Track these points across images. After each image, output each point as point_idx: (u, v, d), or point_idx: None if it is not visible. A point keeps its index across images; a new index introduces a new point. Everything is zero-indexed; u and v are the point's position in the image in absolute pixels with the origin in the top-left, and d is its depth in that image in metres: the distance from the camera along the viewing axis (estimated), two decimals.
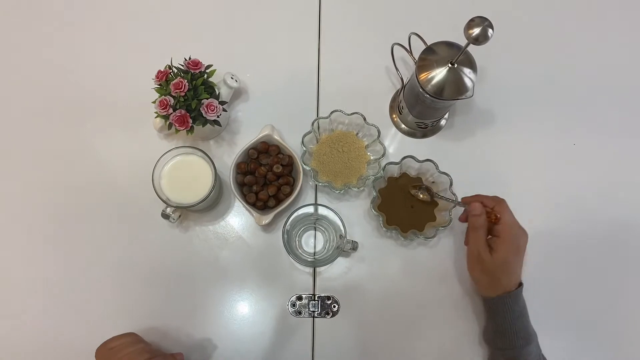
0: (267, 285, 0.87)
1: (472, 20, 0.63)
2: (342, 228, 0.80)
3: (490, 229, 0.77)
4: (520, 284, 0.77)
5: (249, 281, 0.87)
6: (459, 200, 0.80)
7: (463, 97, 0.75)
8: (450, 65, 0.73)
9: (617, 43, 0.99)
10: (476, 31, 0.62)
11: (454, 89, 0.74)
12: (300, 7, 1.00)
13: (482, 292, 0.80)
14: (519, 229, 0.76)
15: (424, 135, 0.93)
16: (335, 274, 0.87)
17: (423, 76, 0.75)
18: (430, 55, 0.75)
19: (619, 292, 0.88)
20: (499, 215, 0.75)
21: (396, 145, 0.94)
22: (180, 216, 0.85)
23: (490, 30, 0.62)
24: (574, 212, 0.90)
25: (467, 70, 0.74)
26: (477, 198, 0.78)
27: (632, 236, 0.90)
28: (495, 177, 0.91)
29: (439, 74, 0.74)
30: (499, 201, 0.77)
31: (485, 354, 0.83)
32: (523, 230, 0.76)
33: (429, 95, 0.75)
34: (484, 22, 0.62)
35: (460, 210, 0.81)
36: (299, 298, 0.86)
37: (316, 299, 0.86)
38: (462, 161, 0.91)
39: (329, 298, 0.86)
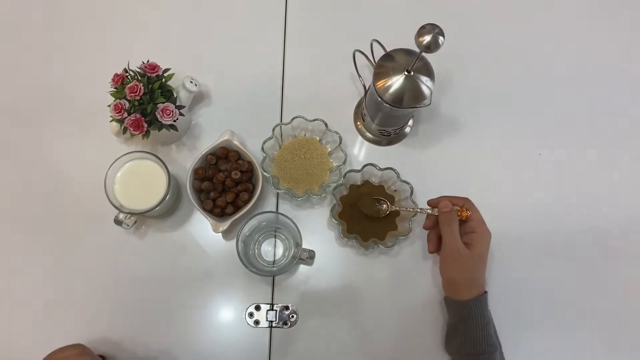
0: (225, 295, 0.86)
1: (422, 27, 0.62)
2: (297, 234, 0.79)
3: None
4: (486, 291, 0.77)
5: (206, 290, 0.86)
6: (423, 208, 0.80)
7: (420, 105, 0.75)
8: (406, 73, 0.73)
9: (585, 50, 0.99)
10: (427, 39, 0.62)
11: (411, 97, 0.74)
12: (265, 11, 1.00)
13: (454, 295, 0.77)
14: (487, 226, 0.77)
15: (389, 143, 0.93)
16: (294, 284, 0.87)
17: (380, 84, 0.74)
18: (387, 62, 0.74)
19: (576, 296, 0.88)
20: (469, 213, 0.76)
21: (362, 152, 0.93)
22: (135, 222, 0.84)
23: (441, 38, 0.62)
24: (537, 221, 0.90)
25: (424, 78, 0.73)
26: (443, 198, 0.78)
27: (592, 243, 0.90)
28: (459, 186, 0.89)
29: (396, 82, 0.73)
30: (466, 199, 0.77)
31: None
32: (488, 229, 0.77)
33: (387, 103, 0.75)
34: (434, 30, 0.62)
35: (422, 218, 0.81)
36: (257, 308, 0.85)
37: (274, 308, 0.85)
38: (426, 169, 0.91)
39: (287, 308, 0.85)
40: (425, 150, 0.93)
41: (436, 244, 0.80)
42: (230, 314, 0.85)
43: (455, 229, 0.75)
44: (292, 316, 0.85)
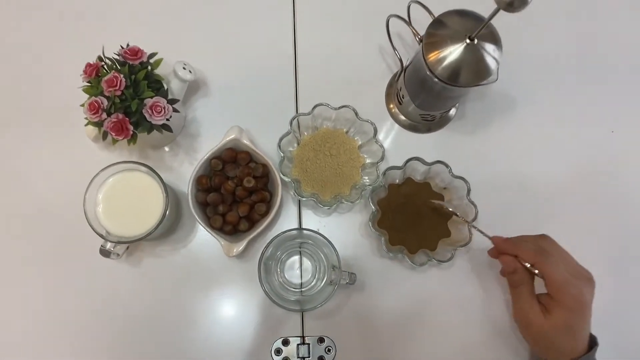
0: (244, 329, 0.71)
1: None
2: (334, 255, 0.64)
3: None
4: (592, 345, 0.62)
5: (220, 325, 0.71)
6: (488, 235, 0.66)
7: (485, 82, 0.59)
8: (468, 41, 0.57)
9: None
10: None
11: (473, 71, 0.59)
12: None
13: (536, 354, 0.66)
14: (578, 280, 0.60)
15: (429, 129, 0.78)
16: (328, 309, 0.72)
17: (432, 56, 0.59)
18: (440, 30, 0.59)
19: None
20: (537, 273, 0.61)
21: (394, 141, 0.78)
22: (127, 248, 0.68)
23: None
24: (620, 213, 0.75)
25: (490, 47, 0.58)
26: (511, 247, 0.64)
27: None
28: (518, 177, 0.76)
29: (453, 52, 0.58)
30: (540, 252, 0.61)
31: None
32: (585, 279, 0.60)
33: (440, 80, 0.59)
34: None
35: (484, 219, 0.66)
36: (285, 342, 0.70)
37: (306, 342, 0.70)
38: (477, 159, 0.76)
39: (322, 340, 0.70)
40: (474, 136, 0.78)
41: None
42: (253, 353, 0.70)
43: (523, 292, 0.63)
44: (329, 350, 0.70)
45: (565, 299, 0.58)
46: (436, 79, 0.60)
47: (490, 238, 0.65)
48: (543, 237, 0.63)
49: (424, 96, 0.67)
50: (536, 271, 0.61)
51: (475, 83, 0.59)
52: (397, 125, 0.78)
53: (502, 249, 0.64)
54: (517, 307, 0.64)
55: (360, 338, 0.71)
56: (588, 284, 0.60)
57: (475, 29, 0.56)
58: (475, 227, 0.67)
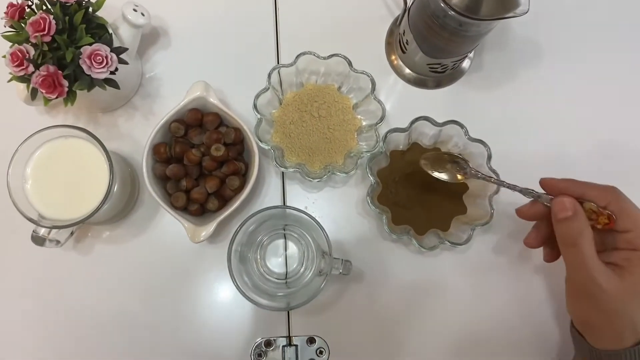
0: (219, 329, 0.60)
1: None
2: (324, 240, 0.52)
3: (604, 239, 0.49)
4: None
5: (190, 323, 0.60)
6: (532, 189, 0.50)
7: (512, 14, 0.46)
8: None
9: None
10: None
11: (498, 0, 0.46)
12: None
13: (592, 338, 0.50)
14: None
15: (438, 84, 0.65)
16: (320, 304, 0.60)
17: None
18: None
19: None
20: (614, 217, 0.46)
21: (396, 100, 0.65)
22: (71, 235, 0.57)
23: None
24: None
25: None
26: (570, 185, 0.49)
27: None
28: (546, 143, 0.63)
29: None
30: (611, 190, 0.47)
31: None
32: None
33: (456, 12, 0.47)
34: None
35: (506, 196, 0.54)
36: (268, 344, 0.59)
37: (293, 343, 0.59)
38: (497, 121, 0.64)
39: (312, 340, 0.59)
40: (493, 92, 0.65)
41: (552, 250, 0.53)
42: (228, 358, 0.59)
43: (586, 248, 0.45)
44: (321, 352, 0.59)
45: None
46: (451, 12, 0.47)
47: (541, 182, 0.50)
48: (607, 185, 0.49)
49: (433, 39, 0.55)
50: (613, 216, 0.46)
51: (500, 15, 0.47)
52: (400, 81, 0.65)
53: (558, 188, 0.49)
54: (576, 271, 0.47)
55: (358, 337, 0.60)
56: None
57: None
58: (505, 184, 0.52)
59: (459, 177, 0.55)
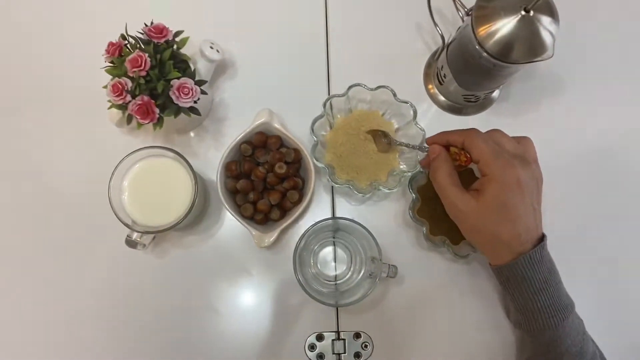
0: (275, 324, 0.68)
1: None
2: (373, 245, 0.61)
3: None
4: (541, 238, 0.58)
5: (249, 319, 0.69)
6: (424, 145, 0.63)
7: (539, 58, 0.55)
8: (523, 12, 0.53)
9: None
10: None
11: (527, 46, 0.55)
12: None
13: (488, 259, 0.61)
14: (512, 157, 0.55)
15: (470, 112, 0.74)
16: (365, 303, 0.68)
17: (482, 29, 0.55)
18: (492, 1, 0.55)
19: None
20: (468, 155, 0.57)
21: (431, 124, 0.73)
22: (154, 239, 0.66)
23: None
24: None
25: (546, 20, 0.54)
26: (441, 135, 0.61)
27: None
28: (569, 164, 0.72)
29: (506, 25, 0.54)
30: (469, 131, 0.57)
31: None
32: (521, 158, 0.56)
33: (491, 56, 0.56)
34: None
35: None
36: (319, 338, 0.68)
37: (341, 337, 0.68)
38: None
39: (358, 335, 0.68)
40: (519, 119, 0.74)
41: None
42: (284, 349, 0.68)
43: (442, 178, 0.57)
44: (366, 346, 0.67)
45: (495, 170, 0.54)
46: (485, 54, 0.56)
47: (426, 140, 0.62)
48: (490, 130, 0.59)
49: (469, 75, 0.64)
50: (467, 155, 0.57)
51: (528, 59, 0.55)
52: (435, 107, 0.74)
53: (433, 139, 0.61)
54: (445, 201, 0.58)
55: (398, 334, 0.68)
56: (523, 163, 0.55)
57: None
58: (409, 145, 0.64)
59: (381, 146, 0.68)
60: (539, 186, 0.57)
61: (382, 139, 0.67)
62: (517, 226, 0.55)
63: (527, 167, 0.55)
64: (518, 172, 0.54)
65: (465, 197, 0.56)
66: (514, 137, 0.58)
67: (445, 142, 0.59)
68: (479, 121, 0.73)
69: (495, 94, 0.73)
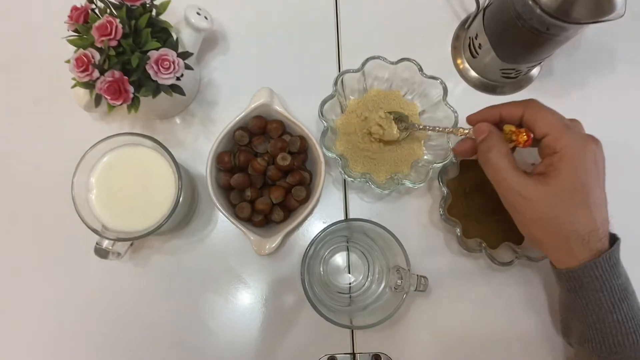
0: (279, 345, 0.58)
1: None
2: (399, 252, 0.50)
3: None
4: (615, 239, 0.47)
5: (248, 339, 0.58)
6: (461, 127, 0.51)
7: (606, 18, 0.44)
8: None
9: None
10: None
11: (592, 2, 0.44)
12: None
13: (553, 260, 0.49)
14: (582, 135, 0.46)
15: (505, 91, 0.63)
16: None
17: None
18: None
19: None
20: (530, 133, 0.46)
21: (460, 104, 0.62)
22: (131, 245, 0.55)
23: None
24: None
25: None
26: (484, 113, 0.49)
27: None
28: (621, 150, 0.61)
29: None
30: (527, 103, 0.47)
31: None
32: (590, 137, 0.46)
33: (547, 14, 0.44)
34: None
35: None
36: None
37: None
38: None
39: (377, 357, 0.57)
40: (565, 99, 0.63)
41: None
42: None
43: (498, 160, 0.46)
44: None
45: (569, 145, 0.44)
46: (539, 11, 0.45)
47: (467, 118, 0.51)
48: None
49: (512, 43, 0.53)
50: (529, 134, 0.46)
51: (594, 18, 0.44)
52: (464, 85, 0.63)
53: (479, 116, 0.50)
54: (498, 189, 0.47)
55: (425, 355, 0.57)
56: (594, 140, 0.46)
57: None
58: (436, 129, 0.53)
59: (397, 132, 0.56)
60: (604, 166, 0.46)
61: (398, 123, 0.56)
62: (595, 215, 0.44)
63: (598, 144, 0.45)
64: (594, 148, 0.45)
65: (531, 181, 0.45)
66: None
67: (497, 119, 0.48)
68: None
69: (535, 70, 0.62)
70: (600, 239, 0.45)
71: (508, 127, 0.47)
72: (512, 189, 0.45)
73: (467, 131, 0.50)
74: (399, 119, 0.57)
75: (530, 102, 0.47)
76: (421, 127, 0.55)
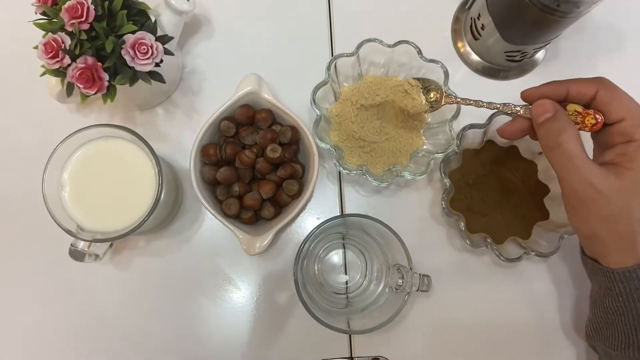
0: (272, 350, 0.54)
1: None
2: (399, 250, 0.46)
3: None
4: None
5: (239, 344, 0.54)
6: (512, 104, 0.45)
7: None
8: None
9: None
10: None
11: None
12: None
13: (601, 257, 0.44)
14: None
15: (508, 75, 0.59)
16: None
17: None
18: None
19: None
20: (601, 116, 0.41)
21: (460, 90, 0.58)
22: (111, 246, 0.51)
23: None
24: None
25: None
26: (547, 88, 0.44)
27: None
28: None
29: None
30: (601, 82, 0.42)
31: None
32: None
33: None
34: None
35: None
36: None
37: None
38: None
39: None
40: None
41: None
42: None
43: (571, 146, 0.40)
44: None
45: None
46: None
47: (521, 94, 0.45)
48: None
49: (518, 23, 0.49)
50: (599, 117, 0.41)
51: None
52: (465, 69, 0.60)
53: (541, 92, 0.44)
54: (566, 176, 0.41)
55: (426, 357, 0.54)
56: None
57: None
58: (482, 104, 0.46)
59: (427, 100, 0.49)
60: None
61: (426, 94, 0.50)
62: None
63: None
64: None
65: (604, 172, 0.40)
66: None
67: (562, 96, 0.43)
68: (521, 86, 0.57)
69: (541, 53, 0.59)
70: None
71: (573, 107, 0.42)
72: (586, 180, 0.40)
73: (518, 108, 0.45)
74: (428, 89, 0.50)
75: (605, 81, 0.42)
76: (459, 98, 0.48)
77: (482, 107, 0.47)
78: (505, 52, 0.54)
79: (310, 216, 0.57)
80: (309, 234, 0.46)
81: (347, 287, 0.55)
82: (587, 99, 0.42)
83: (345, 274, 0.55)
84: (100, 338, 0.54)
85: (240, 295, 0.55)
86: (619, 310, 0.44)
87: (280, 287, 0.55)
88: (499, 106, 0.46)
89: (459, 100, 0.48)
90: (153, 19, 0.49)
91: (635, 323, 0.43)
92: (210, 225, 0.56)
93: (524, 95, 0.45)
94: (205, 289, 0.55)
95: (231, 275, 0.55)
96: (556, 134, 0.41)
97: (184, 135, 0.57)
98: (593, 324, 0.48)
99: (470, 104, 0.47)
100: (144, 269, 0.55)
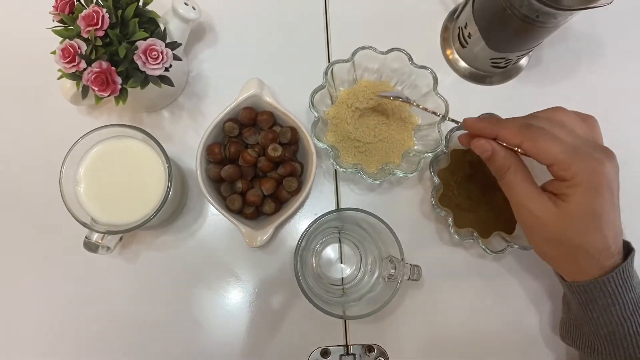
0: (271, 339, 0.57)
1: None
2: (392, 242, 0.50)
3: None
4: (629, 250, 0.46)
5: (240, 333, 0.57)
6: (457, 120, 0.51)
7: (596, 4, 0.45)
8: None
9: None
10: None
11: None
12: None
13: (563, 274, 0.48)
14: (594, 151, 0.42)
15: (493, 81, 0.63)
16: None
17: None
18: None
19: None
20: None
21: (450, 94, 0.62)
22: (121, 240, 0.54)
23: None
24: None
25: None
26: (487, 126, 0.46)
27: None
28: (611, 143, 0.61)
29: None
30: (525, 126, 0.44)
31: None
32: (602, 150, 0.43)
33: (537, 0, 0.45)
34: None
35: None
36: (325, 354, 0.57)
37: (351, 352, 0.57)
38: None
39: (370, 349, 0.57)
40: (552, 88, 0.63)
41: None
42: None
43: (513, 180, 0.45)
44: None
45: (579, 173, 0.41)
46: (536, 2, 0.45)
47: (460, 123, 0.49)
48: (549, 110, 0.46)
49: (502, 32, 0.53)
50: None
51: (584, 5, 0.45)
52: (454, 75, 0.64)
53: (475, 129, 0.47)
54: (514, 203, 0.46)
55: (418, 345, 0.58)
56: (606, 156, 0.42)
57: None
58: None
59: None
60: (618, 178, 0.45)
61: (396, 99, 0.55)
62: (608, 236, 0.43)
63: (611, 160, 0.43)
64: (607, 170, 0.42)
65: (543, 200, 0.44)
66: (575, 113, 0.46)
67: (492, 137, 0.46)
68: (506, 91, 0.63)
69: (524, 60, 0.63)
70: (613, 256, 0.44)
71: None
72: (526, 207, 0.45)
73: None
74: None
75: (529, 133, 0.43)
76: (414, 102, 0.54)
77: (428, 111, 0.54)
78: (490, 59, 0.58)
79: (308, 213, 0.60)
80: (307, 227, 0.49)
81: (342, 278, 0.58)
82: (514, 146, 0.45)
83: (342, 265, 0.59)
84: (109, 325, 0.57)
85: (242, 287, 0.58)
86: (582, 318, 0.48)
87: (279, 279, 0.58)
88: (436, 112, 0.53)
89: (413, 102, 0.55)
90: (162, 27, 0.53)
91: (599, 332, 0.47)
92: (213, 221, 0.60)
93: (465, 124, 0.48)
94: (208, 281, 0.58)
95: (233, 268, 0.58)
96: (498, 169, 0.46)
97: (188, 136, 0.60)
98: (566, 326, 0.53)
99: (422, 108, 0.54)
100: (151, 262, 0.58)
